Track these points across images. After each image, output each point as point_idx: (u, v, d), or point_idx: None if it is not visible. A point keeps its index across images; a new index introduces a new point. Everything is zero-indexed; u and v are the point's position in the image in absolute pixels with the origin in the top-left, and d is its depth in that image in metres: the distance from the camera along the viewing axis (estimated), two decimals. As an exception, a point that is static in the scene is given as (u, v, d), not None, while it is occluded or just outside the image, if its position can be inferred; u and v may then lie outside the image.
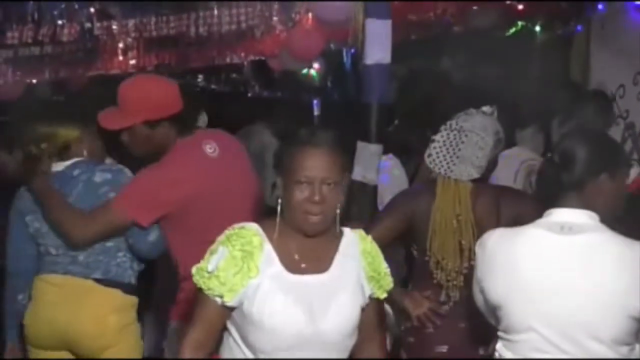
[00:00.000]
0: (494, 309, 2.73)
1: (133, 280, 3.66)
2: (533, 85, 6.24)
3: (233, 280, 2.51)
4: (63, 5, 7.06)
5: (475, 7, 6.14)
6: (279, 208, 2.59)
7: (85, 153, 3.69)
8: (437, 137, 3.53)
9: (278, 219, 2.59)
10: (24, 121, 3.88)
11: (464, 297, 3.40)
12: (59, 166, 3.63)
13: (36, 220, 3.62)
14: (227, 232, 2.59)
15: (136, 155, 3.62)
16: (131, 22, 7.13)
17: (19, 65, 7.89)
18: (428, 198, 3.51)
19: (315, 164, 2.53)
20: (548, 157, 2.75)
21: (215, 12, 6.56)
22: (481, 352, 3.38)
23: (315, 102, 9.33)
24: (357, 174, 4.51)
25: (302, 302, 2.53)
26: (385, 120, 4.79)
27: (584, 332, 2.57)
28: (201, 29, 6.65)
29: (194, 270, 2.59)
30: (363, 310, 2.67)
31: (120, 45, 7.44)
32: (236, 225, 2.61)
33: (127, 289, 3.61)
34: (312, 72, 8.42)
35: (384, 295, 2.74)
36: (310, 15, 6.21)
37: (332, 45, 7.06)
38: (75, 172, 3.61)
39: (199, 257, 2.65)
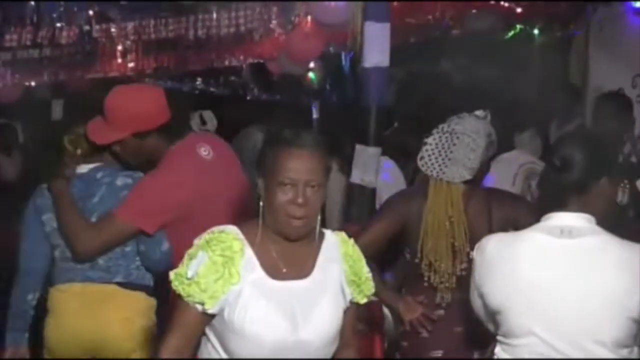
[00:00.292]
0: (493, 314, 2.72)
1: (152, 283, 3.64)
2: (531, 88, 6.25)
3: (214, 286, 2.42)
4: (62, 8, 7.06)
5: (473, 10, 6.15)
6: (260, 211, 2.51)
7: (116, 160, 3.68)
8: (430, 140, 3.53)
9: (260, 222, 2.52)
10: (65, 120, 3.88)
11: (458, 300, 3.39)
12: (82, 168, 3.62)
13: (54, 219, 3.59)
14: (206, 236, 2.50)
15: (129, 165, 3.61)
16: (130, 25, 7.14)
17: (17, 68, 7.90)
18: (420, 200, 3.49)
19: (299, 165, 2.45)
20: (549, 161, 2.73)
21: (214, 15, 6.58)
22: (476, 356, 3.37)
23: (314, 105, 9.34)
24: (356, 177, 4.52)
25: (284, 309, 2.46)
26: (383, 123, 4.79)
27: (586, 335, 2.57)
28: (200, 32, 6.66)
29: (172, 275, 2.49)
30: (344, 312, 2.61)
31: (119, 48, 7.45)
32: (215, 229, 2.52)
33: (148, 291, 3.60)
34: (311, 74, 8.43)
35: (364, 300, 2.65)
36: (309, 18, 6.22)
37: (331, 48, 7.07)
38: (99, 175, 3.59)
39: None
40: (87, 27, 7.14)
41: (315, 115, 9.37)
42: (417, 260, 3.47)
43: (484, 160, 3.49)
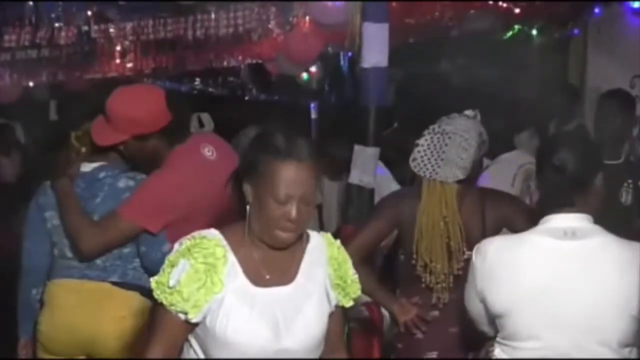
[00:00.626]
0: (495, 318, 2.71)
1: (149, 284, 3.63)
2: (530, 88, 6.25)
3: (196, 295, 2.36)
4: (60, 8, 7.05)
5: (472, 11, 6.15)
6: (247, 217, 2.44)
7: (121, 159, 3.68)
8: (421, 141, 3.51)
9: (246, 229, 2.46)
10: (71, 118, 3.89)
11: (453, 301, 3.40)
12: (86, 167, 3.63)
13: (56, 217, 3.60)
14: (187, 242, 2.43)
15: (135, 163, 3.62)
16: (129, 25, 7.13)
17: (16, 68, 7.90)
18: (413, 201, 3.49)
19: (297, 180, 2.36)
20: (548, 162, 2.72)
21: (213, 15, 6.56)
22: (471, 357, 3.37)
23: (312, 105, 9.34)
24: (354, 178, 4.51)
25: (267, 317, 2.41)
26: (382, 123, 4.79)
27: (592, 336, 2.58)
28: (199, 32, 6.65)
29: (153, 283, 2.44)
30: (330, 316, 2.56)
31: (118, 48, 7.44)
32: (197, 234, 2.45)
33: (144, 292, 3.60)
34: (304, 74, 8.43)
35: (349, 304, 2.60)
36: (307, 18, 6.21)
37: (329, 49, 7.07)
38: (101, 175, 3.60)
39: None
40: (85, 28, 7.13)
41: (313, 115, 9.37)
42: (412, 262, 3.47)
43: (476, 159, 3.49)
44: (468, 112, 3.58)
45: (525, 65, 6.79)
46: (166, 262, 2.44)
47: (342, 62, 8.55)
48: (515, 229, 3.36)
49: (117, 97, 3.53)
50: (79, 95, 7.77)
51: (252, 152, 2.44)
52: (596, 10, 5.81)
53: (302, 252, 2.51)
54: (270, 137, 2.42)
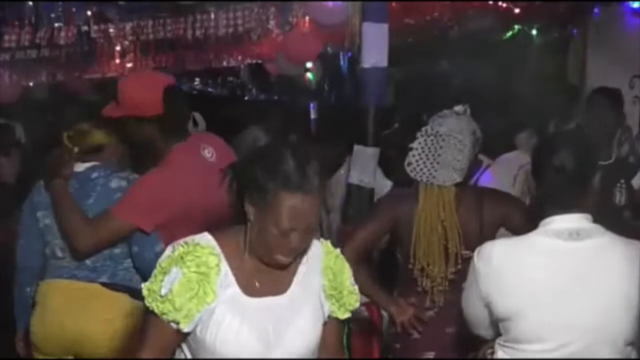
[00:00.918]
0: (500, 321, 2.67)
1: (140, 286, 3.62)
2: (530, 88, 6.25)
3: (188, 305, 2.31)
4: (60, 9, 7.06)
5: (472, 11, 6.15)
6: (246, 232, 2.36)
7: (114, 159, 3.70)
8: (415, 144, 3.45)
9: (244, 241, 2.39)
10: (63, 118, 3.90)
11: (450, 301, 3.39)
12: (78, 167, 3.64)
13: (48, 217, 3.62)
14: (180, 248, 2.36)
15: (130, 155, 3.65)
16: (128, 25, 7.14)
17: (16, 68, 7.90)
18: (409, 203, 3.44)
19: (303, 212, 2.28)
20: (548, 163, 2.71)
21: (212, 15, 6.57)
22: (468, 357, 3.35)
23: (312, 105, 9.34)
24: (354, 178, 4.51)
25: (257, 330, 2.34)
26: (382, 123, 4.79)
27: (601, 336, 2.56)
28: (198, 32, 6.65)
29: (145, 291, 2.37)
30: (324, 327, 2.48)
31: (117, 48, 7.45)
32: (190, 240, 2.37)
33: (134, 293, 3.60)
34: (309, 74, 8.43)
35: (345, 315, 2.51)
36: (307, 19, 6.22)
37: (329, 49, 7.07)
38: (94, 175, 3.61)
39: None
40: (85, 28, 7.14)
41: (313, 115, 9.38)
42: (410, 266, 3.46)
43: (472, 158, 3.48)
44: (458, 108, 3.53)
45: (525, 65, 6.79)
46: (158, 267, 2.37)
47: (341, 62, 8.55)
48: (513, 229, 3.36)
49: (127, 77, 3.71)
50: (73, 95, 7.78)
51: (258, 174, 2.31)
52: (596, 10, 5.81)
53: (298, 261, 2.44)
54: (280, 162, 2.29)
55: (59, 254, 3.59)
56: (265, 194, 2.28)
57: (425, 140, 3.44)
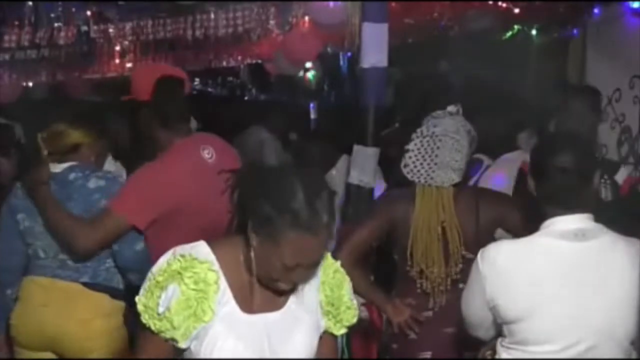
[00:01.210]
0: (506, 324, 2.67)
1: (121, 286, 3.65)
2: (529, 88, 6.24)
3: (186, 323, 2.25)
4: (60, 8, 7.06)
5: (471, 11, 6.15)
6: (248, 252, 2.28)
7: (92, 159, 3.71)
8: (411, 146, 3.45)
9: (245, 263, 2.31)
10: (36, 120, 3.92)
11: (448, 302, 3.39)
12: (56, 168, 3.64)
13: (27, 219, 3.63)
14: (176, 261, 2.28)
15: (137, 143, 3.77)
16: (128, 25, 7.14)
17: (16, 68, 7.90)
18: (406, 204, 3.43)
19: (311, 251, 2.23)
20: (550, 164, 2.70)
21: (212, 15, 6.57)
22: (466, 357, 3.35)
23: (312, 105, 9.33)
24: (354, 178, 4.51)
25: (253, 346, 2.30)
26: (382, 123, 4.78)
27: (608, 335, 2.58)
28: (198, 33, 6.65)
29: (140, 306, 2.30)
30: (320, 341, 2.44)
31: (117, 48, 7.45)
32: (187, 253, 2.29)
33: (114, 293, 3.61)
34: (309, 74, 8.42)
35: (341, 332, 2.47)
36: (306, 18, 6.22)
37: (328, 49, 7.07)
38: (71, 176, 3.61)
39: None
40: (85, 28, 7.14)
41: (313, 115, 9.37)
42: (407, 268, 3.45)
43: (469, 158, 3.47)
44: (450, 108, 3.53)
45: (524, 65, 6.78)
46: (153, 280, 2.29)
47: (341, 62, 8.54)
48: (510, 228, 3.36)
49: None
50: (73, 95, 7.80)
51: (265, 207, 2.20)
52: (596, 10, 5.80)
53: None
54: (289, 198, 2.19)
55: (42, 254, 3.60)
56: (271, 229, 2.20)
57: (421, 141, 3.43)
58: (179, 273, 2.26)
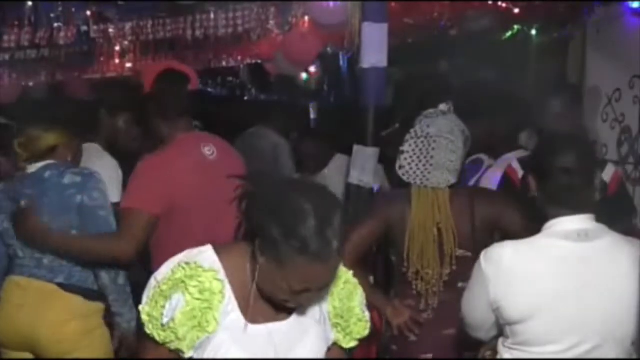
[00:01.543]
0: (509, 325, 2.67)
1: (95, 287, 3.64)
2: (529, 88, 6.23)
3: (191, 334, 2.20)
4: (60, 8, 7.06)
5: (471, 11, 6.14)
6: (254, 265, 2.23)
7: (69, 158, 3.71)
8: (405, 147, 3.45)
9: (251, 275, 2.26)
10: (12, 123, 3.93)
11: (445, 303, 3.38)
12: (32, 167, 3.65)
13: (6, 221, 3.64)
14: (181, 270, 2.23)
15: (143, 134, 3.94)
16: (128, 25, 7.13)
17: (16, 68, 7.90)
18: (402, 205, 3.43)
19: (319, 278, 2.17)
20: (553, 164, 2.70)
21: (212, 15, 6.57)
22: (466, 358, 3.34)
23: (311, 105, 9.34)
24: (353, 178, 4.51)
25: (257, 357, 2.25)
26: (382, 123, 4.78)
27: (611, 336, 2.59)
28: (198, 33, 6.65)
29: (144, 315, 2.25)
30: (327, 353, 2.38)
31: (117, 48, 7.45)
32: (192, 260, 2.24)
33: (88, 294, 3.61)
34: (304, 74, 8.43)
35: (350, 344, 2.41)
36: (306, 19, 6.21)
37: (328, 49, 7.06)
38: (47, 174, 3.61)
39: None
40: (85, 28, 7.14)
41: (312, 115, 9.37)
42: (404, 269, 3.45)
43: (464, 158, 3.47)
44: (442, 107, 3.53)
45: (524, 65, 6.78)
46: (157, 289, 2.24)
47: (341, 63, 8.54)
48: (507, 228, 3.35)
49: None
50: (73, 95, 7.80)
51: (274, 230, 2.13)
52: (596, 10, 5.80)
53: None
54: (299, 223, 2.11)
55: (20, 254, 3.63)
56: (279, 254, 2.13)
57: (415, 142, 3.43)
58: (183, 282, 2.21)
